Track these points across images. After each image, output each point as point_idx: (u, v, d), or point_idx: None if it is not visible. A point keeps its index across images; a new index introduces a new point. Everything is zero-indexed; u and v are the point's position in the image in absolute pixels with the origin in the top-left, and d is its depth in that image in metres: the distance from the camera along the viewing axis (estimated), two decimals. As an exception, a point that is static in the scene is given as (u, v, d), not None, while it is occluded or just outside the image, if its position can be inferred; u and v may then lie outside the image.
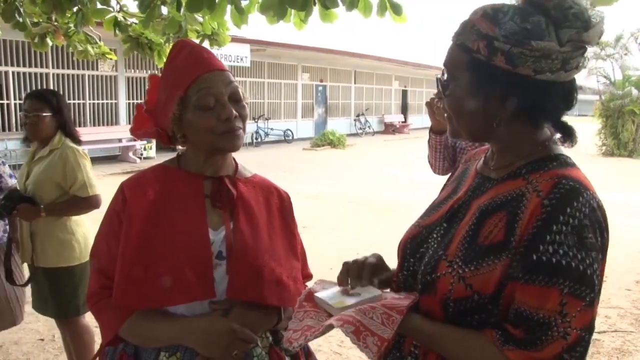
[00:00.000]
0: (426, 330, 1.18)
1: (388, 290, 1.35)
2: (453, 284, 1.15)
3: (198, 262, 1.47)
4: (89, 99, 15.75)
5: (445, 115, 1.29)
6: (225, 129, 1.48)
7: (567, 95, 1.18)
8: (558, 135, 1.25)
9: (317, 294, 1.28)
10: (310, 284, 1.75)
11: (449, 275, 1.16)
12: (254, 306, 1.51)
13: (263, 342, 1.58)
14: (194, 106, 1.48)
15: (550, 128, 1.25)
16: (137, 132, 1.63)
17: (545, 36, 1.11)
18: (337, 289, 1.30)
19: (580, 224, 1.06)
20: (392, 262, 1.42)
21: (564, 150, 1.25)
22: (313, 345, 1.31)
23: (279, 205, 1.69)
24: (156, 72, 17.65)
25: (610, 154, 20.62)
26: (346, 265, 1.33)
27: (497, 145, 1.28)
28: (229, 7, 3.05)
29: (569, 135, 1.23)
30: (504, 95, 1.16)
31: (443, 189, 1.49)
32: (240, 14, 3.02)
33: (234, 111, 1.49)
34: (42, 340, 4.24)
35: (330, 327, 1.14)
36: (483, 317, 1.14)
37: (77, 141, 3.27)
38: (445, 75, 1.24)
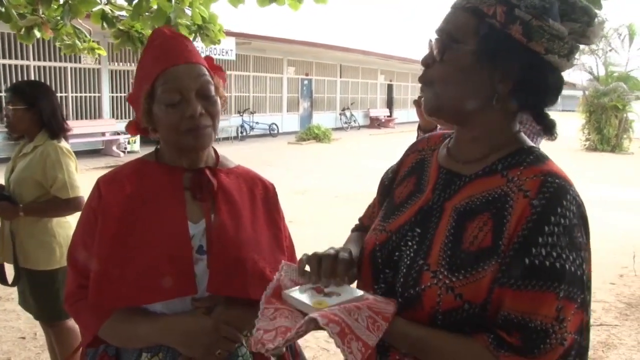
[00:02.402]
0: (412, 334, 1.10)
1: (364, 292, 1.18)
2: (441, 296, 1.07)
3: (178, 257, 1.41)
4: (72, 92, 15.56)
5: (424, 88, 1.19)
6: (189, 126, 1.41)
7: (558, 87, 1.13)
8: (530, 129, 1.21)
9: (288, 292, 1.14)
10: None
11: (435, 287, 1.08)
12: (239, 303, 1.45)
13: (248, 341, 1.51)
14: (158, 101, 1.42)
15: (521, 120, 1.20)
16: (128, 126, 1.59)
17: (557, 19, 1.07)
18: (309, 285, 1.17)
19: (570, 224, 1.03)
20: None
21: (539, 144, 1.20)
22: (300, 341, 1.29)
23: (263, 197, 1.63)
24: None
25: (594, 149, 20.80)
26: (316, 257, 1.20)
27: (470, 133, 1.19)
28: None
29: (550, 128, 1.18)
30: (508, 69, 1.09)
31: (398, 182, 1.38)
32: None
33: (200, 108, 1.41)
34: (24, 338, 4.17)
35: (314, 324, 1.02)
36: (473, 327, 1.07)
37: (59, 137, 3.09)
38: (441, 40, 1.14)
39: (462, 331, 1.08)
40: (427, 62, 1.18)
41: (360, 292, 1.14)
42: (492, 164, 1.15)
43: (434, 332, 1.09)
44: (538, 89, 1.11)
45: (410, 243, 1.19)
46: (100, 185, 1.49)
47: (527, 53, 1.07)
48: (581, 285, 1.03)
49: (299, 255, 1.76)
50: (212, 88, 1.47)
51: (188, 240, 1.43)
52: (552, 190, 1.05)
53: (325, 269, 1.17)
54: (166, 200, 1.47)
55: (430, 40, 1.18)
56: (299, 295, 1.13)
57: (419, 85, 1.25)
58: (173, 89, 1.41)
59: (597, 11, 1.11)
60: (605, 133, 20.85)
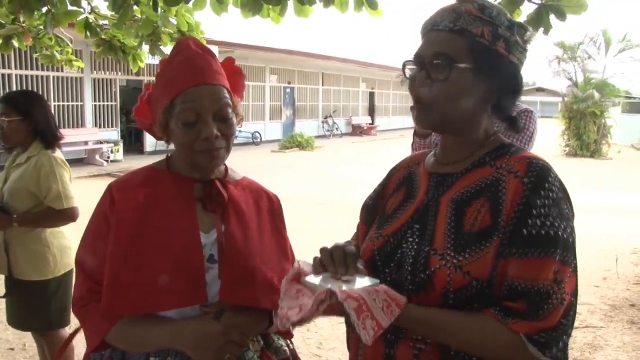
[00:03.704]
0: (424, 317, 1.17)
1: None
2: (450, 275, 1.15)
3: (189, 265, 1.44)
4: (54, 101, 15.38)
5: (424, 105, 1.26)
6: (203, 147, 1.45)
7: (521, 89, 1.30)
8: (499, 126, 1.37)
9: (308, 279, 1.18)
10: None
11: (445, 268, 1.16)
12: (246, 309, 1.49)
13: (254, 345, 1.56)
14: (176, 117, 1.45)
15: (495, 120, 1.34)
16: (137, 117, 1.62)
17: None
18: (326, 274, 1.20)
19: (557, 197, 1.16)
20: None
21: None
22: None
23: (269, 208, 1.67)
24: (120, 73, 17.16)
25: (574, 155, 21.11)
26: (326, 251, 1.24)
27: (461, 138, 1.31)
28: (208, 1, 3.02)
29: (514, 124, 1.35)
30: (497, 80, 1.24)
31: (387, 197, 1.46)
32: (220, 2, 2.96)
33: (216, 130, 1.44)
34: (12, 349, 4.10)
35: (334, 297, 1.06)
36: (482, 303, 1.15)
37: (54, 147, 3.06)
38: (440, 62, 1.22)
39: (470, 309, 1.16)
40: (424, 82, 1.26)
41: (375, 280, 1.17)
42: (479, 158, 1.29)
43: (444, 312, 1.17)
44: (515, 94, 1.28)
45: (410, 239, 1.28)
46: (113, 192, 1.51)
47: (509, 64, 1.24)
48: (573, 251, 1.15)
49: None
50: (230, 110, 1.49)
51: (200, 249, 1.47)
52: (538, 169, 1.18)
53: (338, 258, 1.22)
54: (178, 210, 1.50)
55: (410, 62, 1.29)
56: (317, 280, 1.17)
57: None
58: (191, 108, 1.43)
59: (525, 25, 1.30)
60: (584, 139, 21.17)
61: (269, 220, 1.65)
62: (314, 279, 1.18)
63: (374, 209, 1.48)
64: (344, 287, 1.12)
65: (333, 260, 1.22)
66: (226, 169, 1.65)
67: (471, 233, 1.18)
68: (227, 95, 1.49)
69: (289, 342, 1.70)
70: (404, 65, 1.31)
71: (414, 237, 1.27)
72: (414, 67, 1.29)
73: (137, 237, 1.43)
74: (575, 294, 1.15)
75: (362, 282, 1.16)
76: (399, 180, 1.46)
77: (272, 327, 1.60)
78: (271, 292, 1.50)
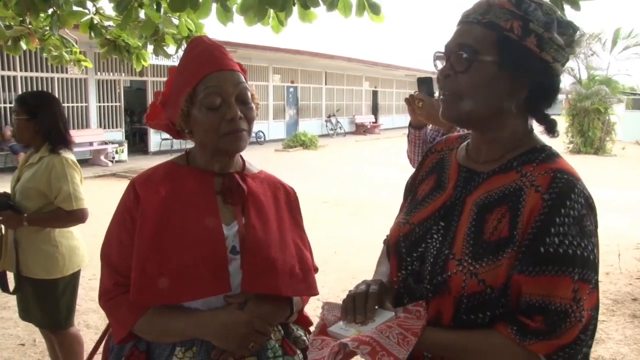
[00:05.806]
0: (442, 342, 1.20)
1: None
2: (466, 281, 1.17)
3: (213, 257, 1.48)
4: (58, 103, 15.48)
5: (447, 96, 1.26)
6: (229, 129, 1.50)
7: (556, 90, 1.25)
8: (540, 128, 1.30)
9: (330, 329, 1.26)
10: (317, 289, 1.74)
11: (460, 274, 1.18)
12: (268, 299, 1.54)
13: (275, 335, 1.60)
14: (200, 104, 1.49)
15: (530, 121, 1.30)
16: (150, 122, 1.66)
17: (557, 32, 1.19)
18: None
19: (579, 214, 1.13)
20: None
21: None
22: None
23: (286, 200, 1.72)
24: (124, 74, 17.20)
25: (577, 152, 21.07)
26: (351, 297, 1.30)
27: (490, 136, 1.29)
28: (214, 6, 3.02)
29: (551, 127, 1.29)
30: (525, 77, 1.20)
31: (419, 180, 1.49)
32: (227, 12, 2.98)
33: (240, 112, 1.50)
34: (23, 345, 4.18)
35: (346, 348, 1.13)
36: (494, 310, 1.17)
37: (58, 151, 3.05)
38: (464, 54, 1.21)
39: (483, 317, 1.18)
40: (447, 73, 1.26)
41: (392, 313, 1.25)
42: (507, 161, 1.26)
43: (460, 334, 1.20)
44: (548, 94, 1.23)
45: (435, 236, 1.30)
46: (137, 187, 1.55)
47: (539, 62, 1.19)
48: (594, 267, 1.14)
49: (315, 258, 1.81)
50: (250, 94, 1.56)
51: (223, 241, 1.51)
52: (560, 185, 1.15)
53: (359, 306, 1.27)
54: (200, 203, 1.54)
55: (439, 53, 1.28)
56: (339, 328, 1.25)
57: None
58: (215, 93, 1.49)
59: (576, 24, 1.23)
60: (588, 136, 21.14)
61: (287, 211, 1.70)
62: (336, 328, 1.25)
63: (410, 189, 1.52)
64: (362, 329, 1.20)
65: (355, 306, 1.27)
66: (244, 162, 1.69)
67: (490, 242, 1.18)
68: (244, 80, 1.56)
69: (307, 332, 1.74)
70: (434, 57, 1.30)
71: (438, 234, 1.29)
72: (442, 58, 1.28)
73: (162, 230, 1.48)
74: (595, 308, 1.15)
75: (380, 319, 1.23)
76: (432, 164, 1.47)
77: (292, 317, 1.64)
78: (292, 280, 1.56)
